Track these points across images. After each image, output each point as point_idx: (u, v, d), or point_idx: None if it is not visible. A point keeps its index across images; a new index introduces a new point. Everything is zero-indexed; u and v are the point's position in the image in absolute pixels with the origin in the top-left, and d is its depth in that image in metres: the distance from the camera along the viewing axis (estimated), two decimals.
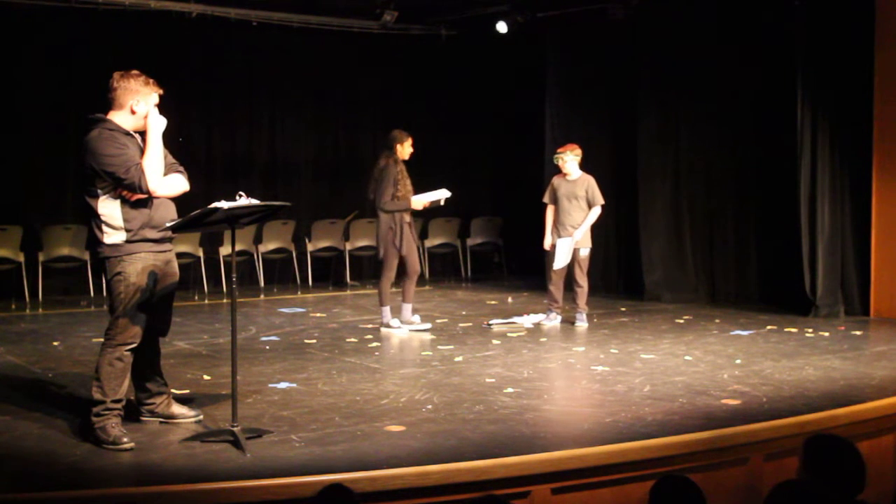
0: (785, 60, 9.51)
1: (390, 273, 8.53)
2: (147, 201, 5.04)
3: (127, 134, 5.07)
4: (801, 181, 9.29)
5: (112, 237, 5.02)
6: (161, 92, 5.18)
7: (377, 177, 8.52)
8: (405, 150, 8.54)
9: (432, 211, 8.88)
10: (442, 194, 8.57)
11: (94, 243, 5.13)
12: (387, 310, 8.64)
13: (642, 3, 10.63)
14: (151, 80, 5.15)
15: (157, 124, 5.10)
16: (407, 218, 8.52)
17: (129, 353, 5.04)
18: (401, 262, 8.56)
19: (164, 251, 5.17)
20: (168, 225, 5.08)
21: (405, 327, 8.59)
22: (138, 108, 5.09)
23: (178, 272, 5.33)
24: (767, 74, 9.96)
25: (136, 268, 5.01)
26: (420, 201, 8.51)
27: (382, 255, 8.53)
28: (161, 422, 5.39)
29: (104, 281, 5.15)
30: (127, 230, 5.01)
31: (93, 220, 5.05)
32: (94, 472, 4.53)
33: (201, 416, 5.47)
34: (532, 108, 12.24)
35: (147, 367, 5.38)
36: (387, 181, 8.40)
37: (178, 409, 5.46)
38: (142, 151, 5.04)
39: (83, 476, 4.48)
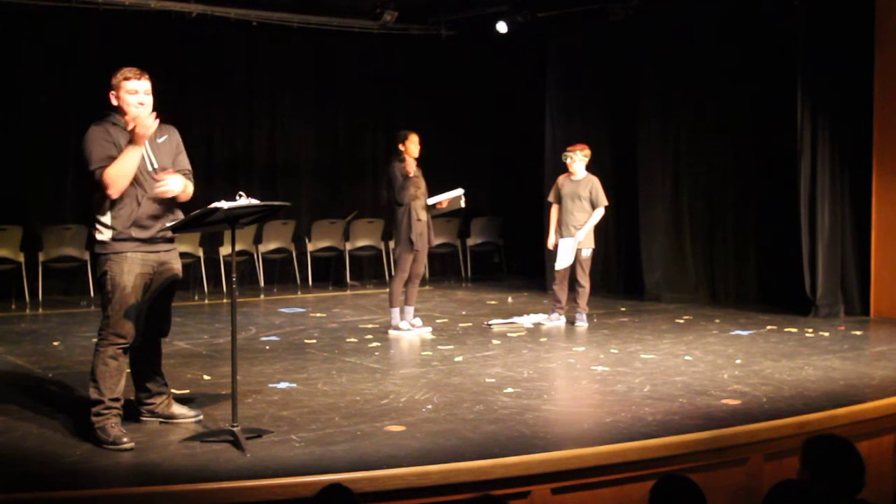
0: (785, 60, 9.51)
1: (403, 274, 8.43)
2: (133, 200, 4.99)
3: (125, 130, 5.02)
4: (801, 181, 9.29)
5: (102, 235, 5.01)
6: (134, 77, 5.01)
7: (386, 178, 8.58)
8: (409, 147, 8.45)
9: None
10: (457, 193, 8.55)
11: (90, 241, 5.14)
12: (396, 311, 8.51)
13: (642, 3, 10.63)
14: (127, 69, 5.05)
15: (140, 129, 4.89)
16: (423, 216, 8.45)
17: (121, 351, 5.02)
18: None
19: (157, 251, 5.11)
20: (168, 225, 5.06)
21: (414, 330, 8.53)
22: (116, 100, 5.05)
23: (177, 271, 5.27)
24: (767, 74, 9.96)
25: (122, 267, 4.98)
26: (436, 200, 8.48)
27: (398, 254, 8.50)
28: (161, 422, 5.38)
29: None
30: (112, 228, 4.99)
31: (89, 217, 5.07)
32: (94, 472, 4.53)
33: (201, 416, 5.46)
34: (532, 107, 12.24)
35: (147, 367, 5.38)
36: (393, 177, 8.37)
37: (178, 409, 5.45)
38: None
39: (83, 476, 4.48)
